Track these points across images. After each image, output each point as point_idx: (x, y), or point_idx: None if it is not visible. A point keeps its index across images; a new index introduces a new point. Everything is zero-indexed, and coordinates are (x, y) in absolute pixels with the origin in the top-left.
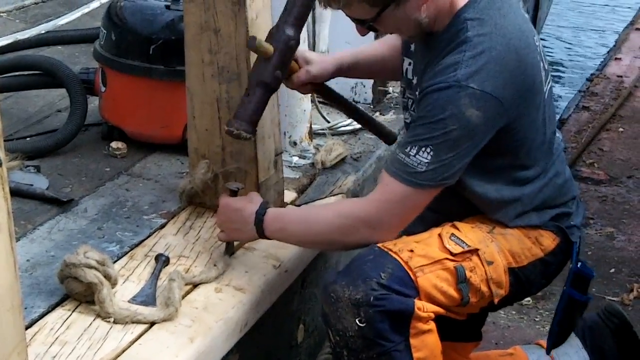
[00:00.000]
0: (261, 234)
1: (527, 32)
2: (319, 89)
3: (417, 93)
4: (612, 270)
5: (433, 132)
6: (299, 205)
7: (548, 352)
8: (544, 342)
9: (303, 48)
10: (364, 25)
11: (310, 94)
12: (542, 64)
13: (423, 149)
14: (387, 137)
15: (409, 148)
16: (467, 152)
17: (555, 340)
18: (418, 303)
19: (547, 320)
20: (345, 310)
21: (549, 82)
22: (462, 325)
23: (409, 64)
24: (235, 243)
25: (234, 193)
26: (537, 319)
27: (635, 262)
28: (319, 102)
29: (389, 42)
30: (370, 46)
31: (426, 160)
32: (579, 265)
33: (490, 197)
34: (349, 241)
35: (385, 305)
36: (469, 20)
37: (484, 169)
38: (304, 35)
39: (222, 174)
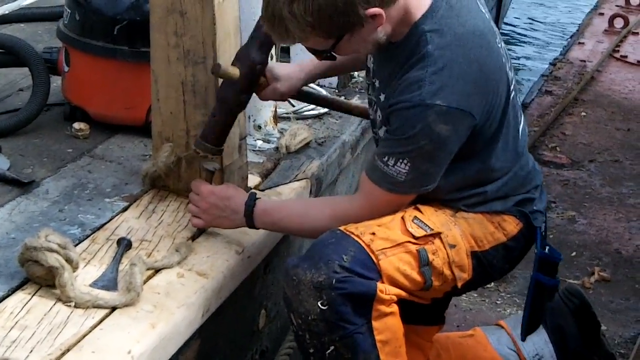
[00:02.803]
0: (250, 224)
1: (488, 35)
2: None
3: (380, 96)
4: (574, 253)
5: (407, 146)
6: (262, 190)
7: (523, 338)
8: (504, 323)
9: (272, 63)
10: (321, 55)
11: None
12: (507, 65)
13: (400, 160)
14: (363, 113)
15: (387, 158)
16: (444, 160)
17: (529, 326)
18: (380, 286)
19: (509, 303)
20: (307, 293)
21: (513, 81)
22: (424, 309)
23: (372, 63)
24: None
25: (210, 174)
26: (498, 302)
27: (596, 246)
28: None
29: None
30: None
31: (404, 171)
32: (546, 250)
33: (451, 191)
34: None
35: (348, 288)
36: (428, 32)
37: (449, 171)
38: None
39: (186, 158)
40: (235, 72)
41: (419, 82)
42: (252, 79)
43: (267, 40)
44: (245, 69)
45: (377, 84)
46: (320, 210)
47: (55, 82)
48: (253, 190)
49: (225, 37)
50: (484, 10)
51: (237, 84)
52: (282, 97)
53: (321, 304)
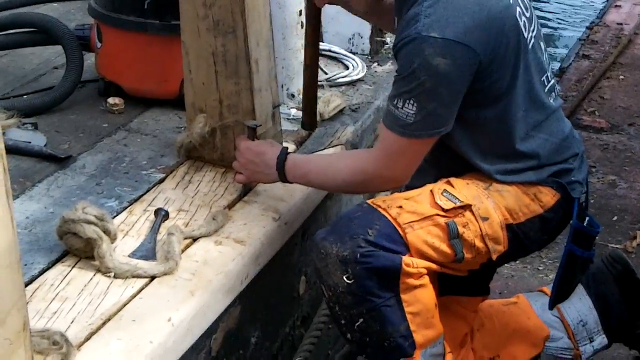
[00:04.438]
0: (283, 178)
1: None
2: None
3: None
4: (615, 218)
5: (409, 84)
6: None
7: (551, 308)
8: (547, 289)
9: None
10: None
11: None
12: (518, 9)
13: (407, 101)
14: None
15: (395, 101)
16: (451, 100)
17: (557, 296)
18: (406, 259)
19: (551, 269)
20: (334, 267)
21: (532, 30)
22: (468, 280)
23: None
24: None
25: (252, 130)
26: (540, 268)
27: (638, 210)
28: None
29: None
30: None
31: (412, 112)
32: (586, 221)
33: (478, 150)
34: (367, 190)
35: (372, 262)
36: None
37: (471, 121)
38: None
39: (220, 127)
40: None
41: (415, 17)
42: None
43: None
44: None
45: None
46: (342, 161)
47: (89, 58)
48: (285, 145)
49: (254, 6)
50: None
51: None
52: None
53: (347, 277)
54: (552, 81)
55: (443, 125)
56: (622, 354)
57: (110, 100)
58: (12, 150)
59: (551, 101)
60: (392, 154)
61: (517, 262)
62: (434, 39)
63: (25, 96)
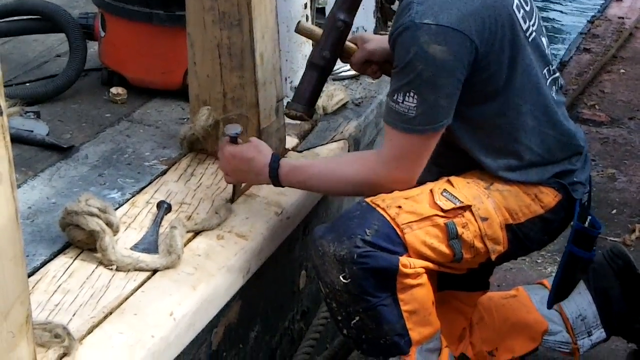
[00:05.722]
0: (277, 185)
1: None
2: (386, 68)
3: None
4: (614, 211)
5: (408, 76)
6: (300, 152)
7: (549, 307)
8: (547, 282)
9: (366, 33)
10: None
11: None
12: (516, 1)
13: (407, 94)
14: None
15: (395, 96)
16: (450, 90)
17: (557, 295)
18: (403, 260)
19: (549, 262)
20: (331, 266)
21: (533, 24)
22: (466, 275)
23: None
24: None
25: (233, 140)
26: (538, 261)
27: (637, 203)
28: None
29: None
30: None
31: (413, 105)
32: (588, 221)
33: (481, 146)
34: (376, 193)
35: (369, 263)
36: None
37: (473, 118)
38: None
39: (223, 120)
40: (315, 29)
41: (409, 5)
42: (335, 35)
43: (350, 1)
44: (327, 27)
45: None
46: (348, 165)
47: (92, 47)
48: (275, 153)
49: None
50: None
51: (319, 43)
52: (370, 55)
53: (343, 277)
54: (556, 74)
55: (445, 117)
56: (620, 346)
57: (113, 90)
58: (14, 139)
59: (556, 95)
60: (400, 155)
61: None
62: (427, 26)
63: (27, 84)
